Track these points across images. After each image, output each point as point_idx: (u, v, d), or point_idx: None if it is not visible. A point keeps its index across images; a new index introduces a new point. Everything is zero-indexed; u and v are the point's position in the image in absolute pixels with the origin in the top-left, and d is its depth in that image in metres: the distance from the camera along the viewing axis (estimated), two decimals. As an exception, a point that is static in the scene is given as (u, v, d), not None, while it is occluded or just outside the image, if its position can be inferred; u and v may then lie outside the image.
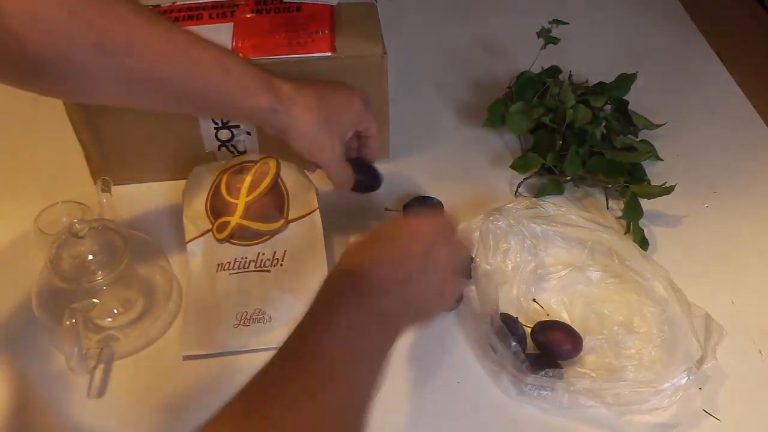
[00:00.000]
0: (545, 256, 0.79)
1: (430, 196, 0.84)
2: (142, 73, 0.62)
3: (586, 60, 1.00)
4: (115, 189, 0.79)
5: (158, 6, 0.83)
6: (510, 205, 0.79)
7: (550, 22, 0.92)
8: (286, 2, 0.85)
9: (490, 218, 0.77)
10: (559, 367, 0.69)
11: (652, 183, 0.85)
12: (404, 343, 0.73)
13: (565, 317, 0.74)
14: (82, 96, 0.68)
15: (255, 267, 0.75)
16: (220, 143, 0.85)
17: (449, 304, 0.72)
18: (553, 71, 0.95)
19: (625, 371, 0.69)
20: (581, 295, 0.76)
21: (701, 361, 0.66)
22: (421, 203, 0.83)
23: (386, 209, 0.84)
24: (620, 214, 0.84)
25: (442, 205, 0.83)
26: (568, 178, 0.85)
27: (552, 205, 0.80)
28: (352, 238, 0.82)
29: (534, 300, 0.76)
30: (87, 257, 0.69)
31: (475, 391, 0.70)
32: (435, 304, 0.63)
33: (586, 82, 0.95)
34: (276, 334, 0.72)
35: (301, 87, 0.69)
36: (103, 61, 0.59)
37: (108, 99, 0.67)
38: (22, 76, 0.60)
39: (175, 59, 0.63)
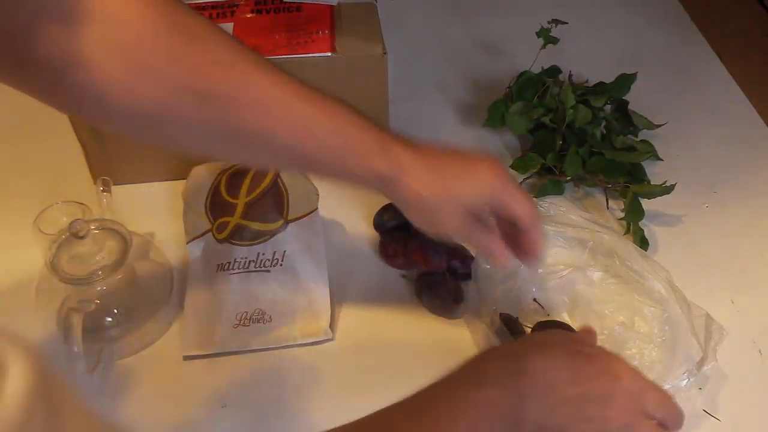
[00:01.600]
0: (545, 256, 0.79)
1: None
2: (246, 127, 0.56)
3: (586, 60, 1.00)
4: (115, 189, 0.79)
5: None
6: None
7: (549, 22, 0.92)
8: (286, 2, 0.85)
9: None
10: None
11: (652, 183, 0.85)
12: (404, 343, 0.73)
13: (565, 317, 0.74)
14: (184, 147, 0.62)
15: (255, 267, 0.75)
16: (220, 143, 0.84)
17: None
18: (553, 71, 0.95)
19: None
20: (582, 295, 0.76)
21: (701, 362, 0.66)
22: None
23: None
24: (620, 214, 0.84)
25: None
26: (568, 178, 0.85)
27: (552, 205, 0.80)
28: (352, 238, 0.82)
29: (534, 299, 0.76)
30: (87, 257, 0.69)
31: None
32: None
33: (586, 82, 0.95)
34: (276, 334, 0.72)
35: (418, 152, 0.60)
36: (205, 111, 0.54)
37: (208, 150, 0.63)
38: (123, 124, 0.57)
39: (284, 112, 0.57)
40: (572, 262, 0.79)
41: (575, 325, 0.72)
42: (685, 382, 0.65)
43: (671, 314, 0.72)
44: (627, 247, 0.77)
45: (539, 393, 0.51)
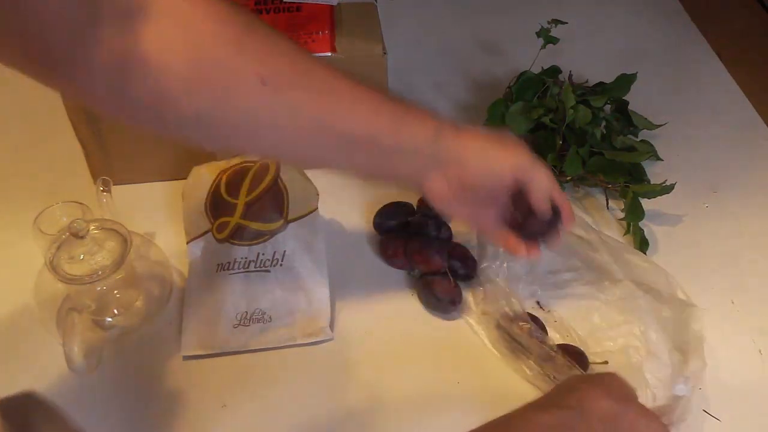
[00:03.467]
0: (546, 260, 0.79)
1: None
2: (313, 109, 0.56)
3: (586, 60, 1.00)
4: (115, 189, 0.79)
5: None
6: None
7: (549, 22, 0.92)
8: (286, 2, 0.85)
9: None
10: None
11: (652, 183, 0.85)
12: (404, 343, 0.73)
13: (567, 319, 0.74)
14: (250, 145, 0.62)
15: (255, 267, 0.75)
16: (220, 143, 0.85)
17: None
18: (553, 71, 0.95)
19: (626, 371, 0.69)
20: (583, 295, 0.76)
21: (701, 366, 0.66)
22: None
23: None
24: (620, 214, 0.84)
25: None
26: (569, 178, 0.85)
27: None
28: (352, 238, 0.82)
29: (537, 302, 0.76)
30: (87, 257, 0.69)
31: (476, 391, 0.70)
32: None
33: (586, 82, 0.95)
34: (276, 334, 0.72)
35: (462, 130, 0.63)
36: (270, 99, 0.54)
37: (273, 146, 0.60)
38: (187, 123, 0.55)
39: (344, 91, 0.57)
40: (572, 265, 0.79)
41: (578, 325, 0.73)
42: (683, 393, 0.65)
43: (670, 315, 0.72)
44: (627, 248, 0.78)
45: None
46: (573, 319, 0.74)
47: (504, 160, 0.63)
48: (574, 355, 0.69)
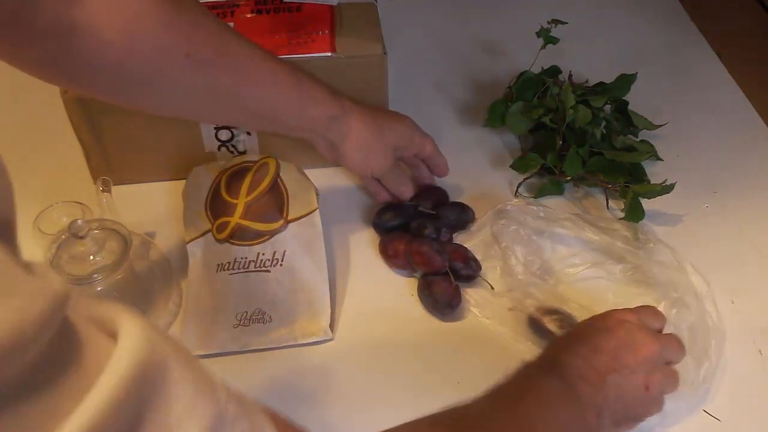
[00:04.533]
0: (551, 257, 0.79)
1: (437, 186, 0.86)
2: (227, 84, 0.65)
3: (586, 60, 1.00)
4: (115, 189, 0.79)
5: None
6: (514, 201, 0.81)
7: (549, 22, 0.92)
8: (286, 2, 0.85)
9: (501, 221, 0.78)
10: None
11: (652, 183, 0.85)
12: (404, 343, 0.73)
13: (587, 304, 0.74)
14: (169, 109, 0.70)
15: (255, 267, 0.75)
16: (220, 143, 0.85)
17: (657, 404, 0.61)
18: (553, 71, 0.95)
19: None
20: (602, 288, 0.77)
21: (703, 369, 0.67)
22: (428, 193, 0.84)
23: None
24: (620, 214, 0.83)
25: (446, 193, 0.85)
26: (568, 178, 0.85)
27: (553, 205, 0.80)
28: (352, 238, 0.82)
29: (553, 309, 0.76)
30: (87, 257, 0.69)
31: (476, 391, 0.70)
32: (639, 401, 0.59)
33: (586, 82, 0.95)
34: (276, 334, 0.72)
35: (355, 101, 0.75)
36: (192, 72, 0.62)
37: (193, 111, 0.72)
38: (116, 88, 0.62)
39: (256, 70, 0.66)
40: (579, 262, 0.79)
41: (596, 308, 0.73)
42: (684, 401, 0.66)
43: (691, 311, 0.72)
44: (631, 247, 0.78)
45: (576, 375, 0.56)
46: (592, 302, 0.74)
47: (381, 150, 0.77)
48: None
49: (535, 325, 0.72)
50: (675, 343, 0.63)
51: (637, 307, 0.65)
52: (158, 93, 0.64)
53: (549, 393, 0.55)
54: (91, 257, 0.69)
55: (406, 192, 0.82)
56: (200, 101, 0.66)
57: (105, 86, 0.62)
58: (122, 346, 0.28)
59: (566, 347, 0.59)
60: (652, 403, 0.60)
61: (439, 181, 0.86)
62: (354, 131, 0.74)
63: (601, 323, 0.62)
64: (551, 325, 0.71)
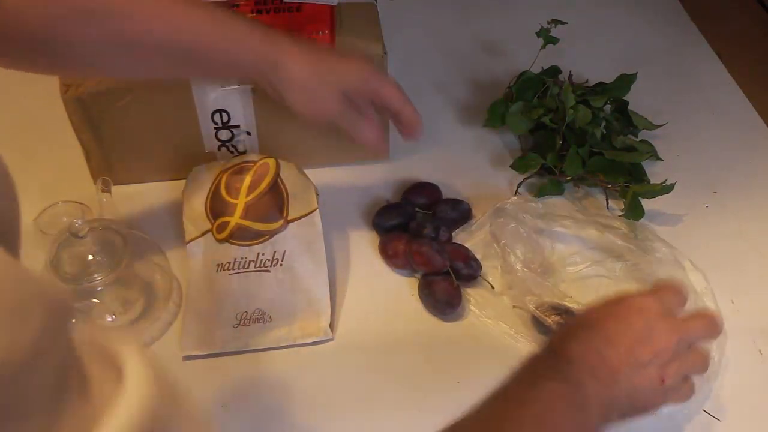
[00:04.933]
0: (551, 256, 0.79)
1: (430, 182, 0.85)
2: (131, 34, 0.62)
3: (586, 60, 1.00)
4: (115, 189, 0.79)
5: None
6: (513, 198, 0.81)
7: (549, 22, 0.92)
8: (286, 2, 0.85)
9: (499, 219, 0.78)
10: None
11: (652, 183, 0.85)
12: (404, 343, 0.73)
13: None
14: (79, 68, 0.68)
15: (255, 267, 0.75)
16: (220, 143, 0.85)
17: (673, 395, 0.59)
18: (553, 71, 0.95)
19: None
20: (588, 289, 0.77)
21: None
22: (420, 189, 0.84)
23: (387, 201, 0.84)
24: (620, 214, 0.83)
25: (439, 189, 0.84)
26: (568, 178, 0.85)
27: (552, 205, 0.80)
28: (352, 238, 0.82)
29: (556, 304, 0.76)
30: (87, 257, 0.69)
31: (476, 391, 0.70)
32: (650, 395, 0.56)
33: (586, 82, 0.95)
34: (276, 334, 0.72)
35: (300, 42, 0.68)
36: (87, 27, 0.60)
37: (102, 68, 0.68)
38: (16, 53, 0.61)
39: (162, 16, 0.63)
40: (579, 261, 0.79)
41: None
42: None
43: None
44: (633, 245, 0.79)
45: (587, 370, 0.53)
46: (593, 300, 0.74)
47: (326, 92, 0.68)
48: None
49: (538, 322, 0.72)
50: (699, 324, 0.59)
51: (658, 287, 0.60)
52: (65, 54, 0.62)
53: (552, 406, 0.52)
54: (91, 257, 0.69)
55: (369, 135, 0.71)
56: (112, 58, 0.64)
57: (10, 53, 0.61)
58: (129, 394, 0.28)
59: (577, 336, 0.55)
60: (666, 395, 0.57)
61: (437, 180, 0.86)
62: (295, 73, 0.67)
63: (618, 309, 0.57)
64: (555, 323, 0.71)
